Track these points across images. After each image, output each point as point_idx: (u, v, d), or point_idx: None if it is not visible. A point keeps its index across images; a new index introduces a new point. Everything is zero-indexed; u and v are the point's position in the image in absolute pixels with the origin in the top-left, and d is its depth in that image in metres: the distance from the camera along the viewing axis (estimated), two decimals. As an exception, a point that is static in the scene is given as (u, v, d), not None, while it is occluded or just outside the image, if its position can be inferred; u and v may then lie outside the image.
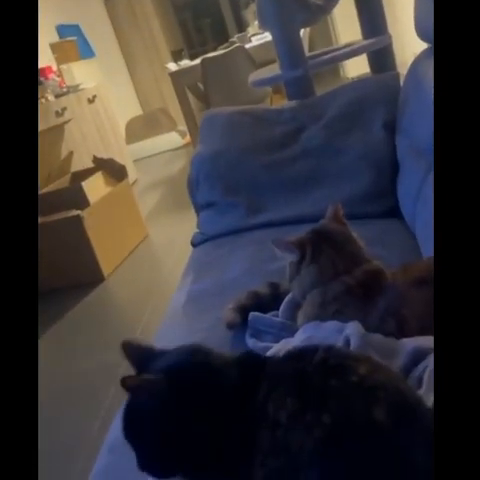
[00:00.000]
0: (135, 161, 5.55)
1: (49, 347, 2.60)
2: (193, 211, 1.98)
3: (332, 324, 0.84)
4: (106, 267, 3.13)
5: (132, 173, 4.87)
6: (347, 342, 0.76)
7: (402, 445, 0.49)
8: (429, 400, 0.61)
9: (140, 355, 0.68)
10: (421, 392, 0.65)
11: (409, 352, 0.73)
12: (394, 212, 1.59)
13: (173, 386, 0.60)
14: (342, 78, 6.62)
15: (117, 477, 0.88)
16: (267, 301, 1.17)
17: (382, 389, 0.53)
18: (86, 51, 5.81)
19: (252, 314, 1.13)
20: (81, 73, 4.99)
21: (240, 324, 1.14)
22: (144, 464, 0.63)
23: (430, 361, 0.71)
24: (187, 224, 2.37)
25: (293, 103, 1.98)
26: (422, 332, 0.80)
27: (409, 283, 0.92)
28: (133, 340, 0.69)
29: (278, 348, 0.87)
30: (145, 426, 0.61)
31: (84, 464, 1.65)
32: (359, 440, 0.50)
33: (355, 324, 0.80)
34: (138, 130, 6.13)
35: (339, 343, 0.76)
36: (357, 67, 5.13)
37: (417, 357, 0.73)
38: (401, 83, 1.84)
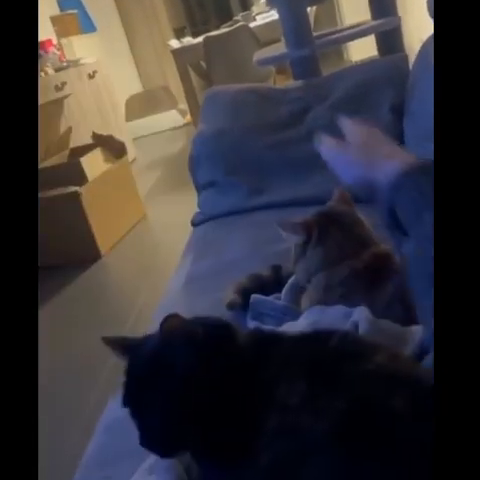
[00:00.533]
0: (134, 139, 5.49)
1: (44, 324, 2.58)
2: (192, 192, 1.95)
3: (338, 309, 0.81)
4: (103, 245, 3.10)
5: (131, 151, 4.82)
6: (355, 328, 0.74)
7: (421, 436, 0.47)
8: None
9: (130, 342, 0.66)
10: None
11: (419, 340, 0.71)
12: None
13: (206, 340, 0.58)
14: (345, 61, 6.54)
15: (112, 457, 0.87)
16: (269, 284, 1.15)
17: (400, 378, 0.51)
18: (87, 25, 5.71)
19: (254, 296, 1.11)
20: (81, 48, 4.92)
21: (241, 306, 1.12)
22: (147, 436, 0.60)
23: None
24: (186, 205, 2.34)
25: (299, 83, 1.95)
26: None
27: None
28: (113, 336, 0.67)
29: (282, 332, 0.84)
30: (162, 382, 0.58)
31: (79, 439, 1.64)
32: (376, 428, 0.48)
33: (363, 309, 0.78)
34: (138, 107, 6.06)
35: (346, 328, 0.73)
36: (361, 51, 5.05)
37: (427, 344, 0.71)
38: (410, 66, 1.81)
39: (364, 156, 0.80)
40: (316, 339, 0.59)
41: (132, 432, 0.64)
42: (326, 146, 0.85)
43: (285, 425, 0.51)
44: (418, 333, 0.73)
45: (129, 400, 0.62)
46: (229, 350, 0.61)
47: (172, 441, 0.60)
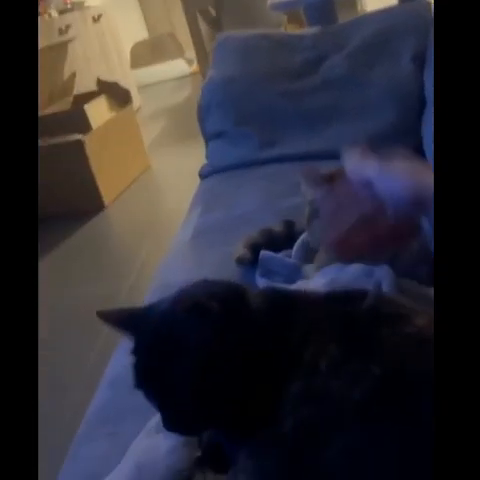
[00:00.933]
0: (139, 87, 5.36)
1: (45, 275, 2.55)
2: (199, 144, 1.89)
3: (358, 267, 0.76)
4: (107, 195, 3.05)
5: (136, 100, 4.71)
6: (378, 287, 0.69)
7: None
8: None
9: (132, 317, 0.61)
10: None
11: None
12: (418, 152, 1.50)
13: (222, 313, 0.54)
14: (359, 12, 6.32)
15: (116, 413, 0.84)
16: (281, 239, 1.11)
17: None
18: (92, -34, 5.50)
19: (263, 253, 1.07)
20: (86, -11, 4.75)
21: (251, 261, 1.09)
22: (172, 418, 0.56)
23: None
24: (192, 156, 2.28)
25: (314, 29, 1.86)
26: None
27: None
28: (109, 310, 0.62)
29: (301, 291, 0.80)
30: (181, 360, 0.54)
31: (81, 396, 1.63)
32: (415, 399, 0.44)
33: (385, 268, 0.73)
34: (144, 55, 5.90)
35: (368, 288, 0.69)
36: (375, 1, 4.86)
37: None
38: (432, 13, 1.72)
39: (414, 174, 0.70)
40: (347, 299, 0.54)
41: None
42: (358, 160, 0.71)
43: (313, 390, 0.47)
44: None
45: (143, 382, 0.57)
46: (246, 320, 0.56)
47: (198, 420, 0.56)
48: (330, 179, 0.79)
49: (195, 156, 2.05)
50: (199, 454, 0.61)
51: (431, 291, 0.71)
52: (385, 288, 0.69)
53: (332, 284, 0.74)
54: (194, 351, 0.53)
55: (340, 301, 0.54)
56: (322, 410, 0.46)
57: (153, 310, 0.59)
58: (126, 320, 0.60)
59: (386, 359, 0.46)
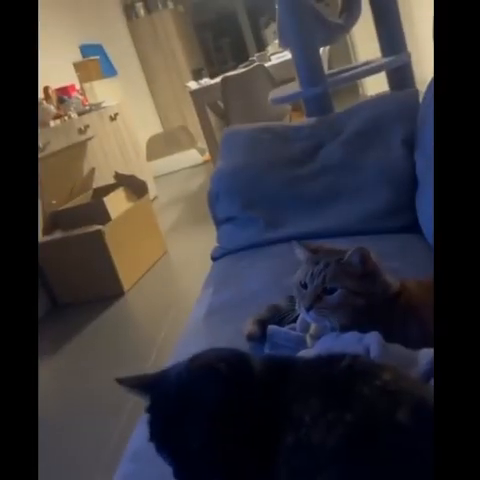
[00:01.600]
0: (155, 178, 5.61)
1: (69, 360, 2.63)
2: (212, 227, 2.01)
3: (351, 335, 0.85)
4: (126, 281, 3.17)
5: (152, 189, 4.93)
6: (367, 351, 0.77)
7: (424, 448, 0.50)
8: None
9: (148, 380, 0.68)
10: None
11: (429, 361, 0.74)
12: (413, 227, 1.60)
13: (230, 375, 0.61)
14: (361, 96, 6.64)
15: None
16: (287, 314, 1.18)
17: (406, 394, 0.55)
18: (108, 70, 5.93)
19: (270, 327, 1.15)
20: (103, 91, 5.09)
21: (260, 337, 1.16)
22: (183, 471, 0.63)
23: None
24: (206, 240, 2.39)
25: (312, 120, 2.01)
26: None
27: (425, 288, 0.94)
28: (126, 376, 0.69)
29: (296, 357, 0.88)
30: (196, 415, 0.61)
31: (102, 478, 1.66)
32: (381, 439, 0.52)
33: (374, 334, 0.81)
34: (158, 147, 6.20)
35: (359, 352, 0.77)
36: (376, 86, 5.14)
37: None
38: (420, 101, 1.86)
39: None
40: (329, 361, 0.62)
41: (156, 460, 0.68)
42: None
43: (300, 441, 0.55)
44: (428, 355, 0.76)
45: (158, 437, 0.64)
46: (249, 380, 0.64)
47: (208, 473, 0.62)
48: (315, 250, 0.97)
49: (208, 239, 2.16)
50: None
51: (415, 353, 0.79)
52: (372, 352, 0.77)
53: (328, 351, 0.81)
54: (205, 407, 0.60)
55: (323, 363, 0.63)
56: (307, 460, 0.53)
57: (168, 373, 0.67)
58: (142, 382, 0.67)
59: (356, 409, 0.53)
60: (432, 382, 0.70)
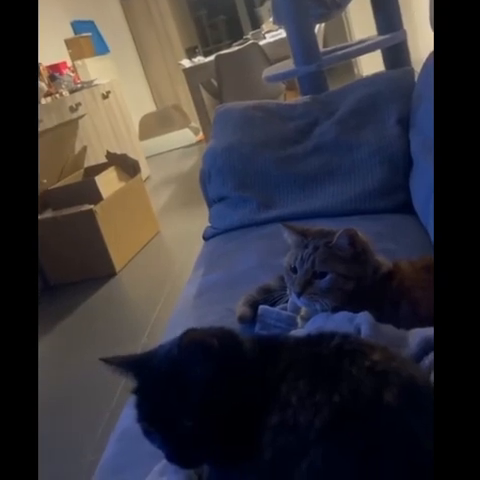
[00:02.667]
0: (148, 157, 5.57)
1: (60, 340, 2.62)
2: (205, 207, 1.99)
3: (342, 315, 0.84)
4: (118, 261, 3.15)
5: (145, 169, 4.89)
6: (358, 331, 0.76)
7: (410, 428, 0.50)
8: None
9: (134, 360, 0.67)
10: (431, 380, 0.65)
11: (419, 341, 0.74)
12: (407, 207, 1.59)
13: (221, 352, 0.60)
14: (356, 76, 6.58)
15: (125, 464, 0.89)
16: (277, 294, 1.17)
17: (394, 374, 0.54)
18: (101, 47, 5.83)
19: (261, 307, 1.14)
20: (95, 69, 5.02)
21: (252, 318, 1.15)
22: (175, 451, 0.62)
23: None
24: (199, 220, 2.38)
25: (306, 98, 1.98)
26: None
27: (417, 269, 0.93)
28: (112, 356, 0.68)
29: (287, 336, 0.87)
30: (187, 393, 0.60)
31: (93, 457, 1.66)
32: (366, 419, 0.51)
33: (365, 314, 0.80)
34: (151, 126, 6.14)
35: (350, 332, 0.75)
36: (371, 65, 5.08)
37: (427, 346, 0.73)
38: (415, 79, 1.83)
39: None
40: (319, 340, 0.61)
41: (143, 440, 0.67)
42: None
43: (286, 421, 0.54)
44: (419, 335, 0.75)
45: (147, 417, 0.63)
46: (240, 358, 0.63)
47: (197, 451, 0.62)
48: (303, 233, 0.96)
49: (201, 219, 2.14)
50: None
51: (406, 333, 0.78)
52: (363, 332, 0.76)
53: (319, 331, 0.80)
54: (198, 384, 0.59)
55: (313, 343, 0.61)
56: (293, 440, 0.52)
57: (155, 352, 0.66)
58: (129, 362, 0.66)
59: (344, 388, 0.53)
60: (423, 362, 0.69)
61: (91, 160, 3.90)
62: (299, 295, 0.94)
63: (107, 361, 0.66)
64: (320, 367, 0.56)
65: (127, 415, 1.03)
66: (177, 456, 0.62)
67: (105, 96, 4.64)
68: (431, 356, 0.71)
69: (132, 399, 0.67)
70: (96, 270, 3.11)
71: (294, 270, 0.97)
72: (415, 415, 0.51)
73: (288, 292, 1.02)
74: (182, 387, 0.60)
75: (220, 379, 0.60)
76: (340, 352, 0.57)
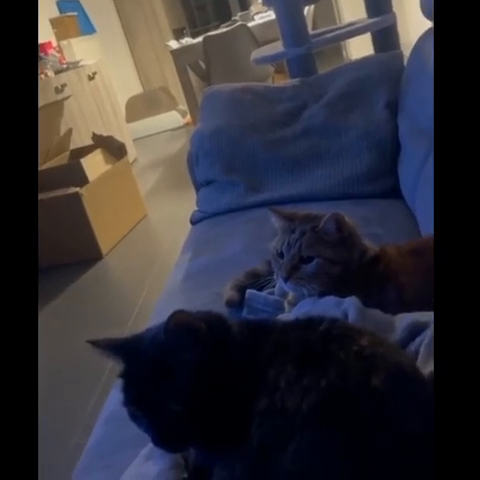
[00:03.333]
0: (135, 140, 5.51)
1: (47, 323, 2.60)
2: (192, 191, 1.97)
3: (329, 299, 0.84)
4: (104, 245, 3.12)
5: (132, 152, 4.84)
6: (345, 316, 0.76)
7: (396, 412, 0.50)
8: (425, 372, 0.61)
9: (121, 342, 0.66)
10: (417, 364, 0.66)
11: (406, 326, 0.74)
12: (395, 192, 1.59)
13: (209, 335, 0.60)
14: (345, 59, 6.55)
15: (111, 447, 0.89)
16: (265, 279, 1.17)
17: (381, 359, 0.54)
18: (87, 27, 5.73)
19: (248, 292, 1.14)
20: (81, 49, 4.94)
21: (239, 302, 1.15)
22: (161, 435, 0.61)
23: (426, 335, 0.71)
24: (186, 204, 2.36)
25: (295, 81, 1.97)
26: (421, 303, 0.81)
27: (404, 254, 0.93)
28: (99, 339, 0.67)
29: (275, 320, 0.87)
30: (171, 380, 0.59)
31: (80, 440, 1.67)
32: (353, 404, 0.51)
33: (353, 299, 0.80)
34: (138, 109, 6.08)
35: (338, 317, 0.76)
36: (361, 49, 5.06)
37: (414, 331, 0.73)
38: (405, 63, 1.82)
39: None
40: (307, 325, 0.61)
41: (129, 423, 0.66)
42: None
43: (274, 406, 0.54)
44: (406, 320, 0.75)
45: (134, 400, 0.62)
46: (227, 342, 0.63)
47: (185, 436, 0.61)
48: (290, 217, 0.96)
49: (189, 203, 2.13)
50: (185, 476, 0.66)
51: (393, 318, 0.78)
52: (350, 316, 0.76)
53: (306, 315, 0.80)
54: (185, 368, 0.59)
55: (301, 327, 0.61)
56: (281, 424, 0.53)
57: (142, 336, 0.65)
58: (116, 345, 0.65)
59: (331, 373, 0.53)
60: (409, 348, 0.70)
61: (77, 142, 3.85)
62: (286, 280, 0.94)
63: (94, 344, 0.65)
64: (308, 351, 0.56)
65: (114, 398, 1.03)
66: (164, 440, 0.61)
67: (91, 77, 4.58)
68: (417, 341, 0.71)
69: (119, 383, 0.67)
70: (82, 253, 3.09)
71: (281, 255, 0.97)
72: (402, 400, 0.51)
73: (275, 277, 1.02)
74: (169, 371, 0.60)
75: (208, 363, 0.60)
76: (328, 337, 0.57)
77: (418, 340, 0.71)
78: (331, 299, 0.83)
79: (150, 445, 0.74)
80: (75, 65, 4.43)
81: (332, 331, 0.58)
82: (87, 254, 3.08)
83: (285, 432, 0.51)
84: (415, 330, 0.73)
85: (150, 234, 3.45)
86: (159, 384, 0.60)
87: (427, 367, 0.64)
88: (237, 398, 0.58)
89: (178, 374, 0.59)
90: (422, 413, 0.51)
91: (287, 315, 0.88)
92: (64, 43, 4.82)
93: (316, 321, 0.60)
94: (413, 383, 0.54)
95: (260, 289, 1.15)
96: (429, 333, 0.70)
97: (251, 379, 0.58)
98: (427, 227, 1.31)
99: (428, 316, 0.74)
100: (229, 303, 1.17)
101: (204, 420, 0.60)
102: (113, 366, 0.68)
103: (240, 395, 0.58)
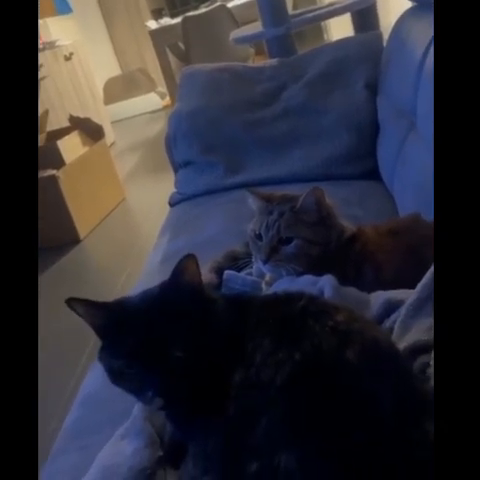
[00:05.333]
0: (113, 122, 5.44)
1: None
2: (172, 174, 1.95)
3: (306, 278, 0.84)
4: (82, 228, 3.09)
5: (110, 135, 4.78)
6: (321, 293, 0.76)
7: (369, 386, 0.50)
8: (399, 347, 0.62)
9: (109, 308, 0.65)
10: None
11: (381, 304, 0.74)
12: (374, 174, 1.59)
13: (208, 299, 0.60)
14: (326, 42, 6.52)
15: (87, 428, 0.88)
16: (243, 259, 1.16)
17: (357, 334, 0.54)
18: (62, 7, 5.60)
19: (226, 272, 1.13)
20: (57, 30, 4.84)
21: (218, 285, 1.14)
22: (159, 385, 0.59)
23: (401, 312, 0.72)
24: (165, 186, 2.33)
25: (274, 61, 1.95)
26: (398, 282, 0.81)
27: (381, 233, 0.93)
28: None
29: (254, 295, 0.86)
30: (175, 324, 0.60)
31: (57, 425, 1.65)
32: (327, 377, 0.51)
33: (329, 277, 0.80)
34: (116, 90, 5.99)
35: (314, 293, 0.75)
36: (341, 31, 5.03)
37: (389, 308, 0.74)
38: (384, 44, 1.81)
39: None
40: (286, 300, 0.61)
41: (105, 405, 0.66)
42: None
43: (249, 379, 0.54)
44: (381, 298, 0.75)
45: (132, 351, 0.60)
46: (215, 313, 0.62)
47: (182, 388, 0.59)
48: (267, 198, 0.95)
49: (168, 186, 2.11)
50: (161, 454, 0.66)
51: (368, 296, 0.79)
52: (326, 293, 0.76)
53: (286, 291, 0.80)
54: (189, 315, 0.59)
55: (280, 303, 0.61)
56: (255, 397, 0.53)
57: (128, 297, 0.66)
58: (100, 304, 0.64)
59: (306, 346, 0.53)
60: (384, 324, 0.70)
61: (53, 124, 3.78)
62: (265, 262, 0.94)
63: (78, 301, 0.63)
64: (285, 326, 0.56)
65: (89, 381, 1.02)
66: (166, 391, 0.59)
67: (68, 58, 4.50)
68: (392, 318, 0.72)
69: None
70: (60, 237, 3.04)
71: (259, 237, 0.97)
72: (375, 374, 0.51)
73: (253, 259, 1.01)
74: (175, 315, 0.59)
75: (204, 319, 0.60)
76: (305, 312, 0.57)
77: (393, 317, 0.72)
78: (308, 278, 0.83)
79: (126, 425, 0.74)
80: (51, 45, 4.35)
81: (310, 307, 0.58)
82: (64, 238, 3.04)
83: (260, 405, 0.51)
84: (390, 307, 0.73)
85: (129, 217, 3.42)
86: (163, 330, 0.59)
87: (401, 342, 0.65)
88: (217, 370, 0.57)
89: (183, 320, 0.59)
90: (395, 388, 0.51)
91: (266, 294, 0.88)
92: (40, 22, 4.71)
93: (295, 297, 0.60)
94: (389, 359, 0.55)
95: (239, 271, 1.14)
96: (403, 310, 0.71)
97: (230, 352, 0.57)
98: (405, 207, 1.32)
99: (403, 294, 0.75)
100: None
101: (198, 374, 0.59)
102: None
103: (220, 367, 0.57)
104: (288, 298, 0.61)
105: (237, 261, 1.16)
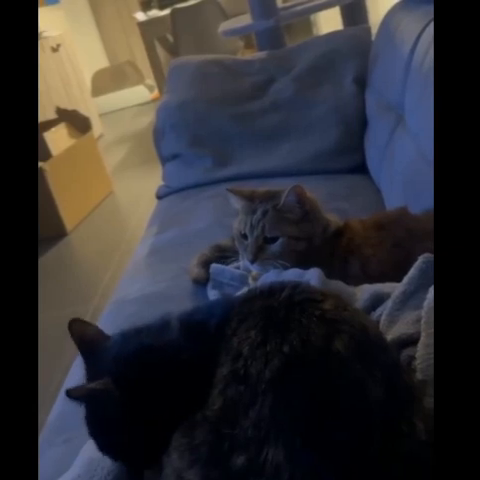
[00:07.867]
0: (101, 115, 5.40)
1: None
2: (160, 168, 1.94)
3: (293, 271, 0.83)
4: (69, 221, 3.06)
5: (97, 127, 4.74)
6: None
7: (358, 376, 0.50)
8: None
9: (87, 339, 0.67)
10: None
11: (368, 297, 0.74)
12: (361, 168, 1.59)
13: (124, 387, 0.59)
14: (315, 36, 6.51)
15: (71, 422, 0.87)
16: (230, 253, 1.16)
17: (345, 323, 0.54)
18: (50, -3, 5.55)
19: (213, 266, 1.13)
20: (44, 20, 4.76)
21: (206, 279, 1.14)
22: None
23: (387, 305, 0.72)
24: (153, 180, 2.32)
25: (263, 54, 1.94)
26: (384, 276, 0.81)
27: (367, 227, 0.94)
28: (81, 320, 0.69)
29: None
30: (106, 429, 0.61)
31: (42, 418, 1.64)
32: (315, 367, 0.51)
33: (315, 270, 0.80)
34: (104, 83, 5.94)
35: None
36: (331, 25, 5.03)
37: (375, 302, 0.74)
38: (373, 38, 1.81)
39: None
40: (269, 293, 0.61)
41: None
42: None
43: (237, 372, 0.53)
44: (367, 291, 0.75)
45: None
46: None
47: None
48: (250, 196, 0.95)
49: (156, 179, 2.10)
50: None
51: (355, 289, 0.79)
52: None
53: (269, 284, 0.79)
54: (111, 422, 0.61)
55: (264, 296, 0.61)
56: (243, 390, 0.52)
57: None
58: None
59: (294, 338, 0.52)
60: (371, 317, 0.70)
61: (40, 116, 3.74)
62: (252, 262, 0.94)
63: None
64: (270, 318, 0.56)
65: (74, 375, 1.02)
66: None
67: (55, 49, 4.45)
68: (378, 311, 0.72)
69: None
70: (46, 230, 3.00)
71: (244, 236, 0.97)
72: (364, 364, 0.51)
73: (240, 258, 1.01)
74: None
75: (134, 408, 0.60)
76: (291, 303, 0.57)
77: (379, 310, 0.72)
78: (294, 271, 0.83)
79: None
80: (38, 36, 4.29)
81: (294, 297, 0.58)
82: (51, 231, 3.01)
83: (248, 398, 0.51)
84: (376, 300, 0.74)
85: (116, 210, 3.40)
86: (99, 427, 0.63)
87: (387, 335, 0.65)
88: (202, 372, 0.57)
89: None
90: (384, 378, 0.51)
91: (252, 289, 0.88)
92: (26, 13, 4.66)
93: (277, 289, 0.60)
94: (377, 348, 0.54)
95: (225, 262, 1.14)
96: (390, 303, 0.71)
97: (216, 352, 0.57)
98: (391, 202, 1.32)
99: (389, 287, 0.75)
100: (197, 281, 1.16)
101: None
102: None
103: (205, 369, 0.57)
104: (271, 291, 0.61)
105: (224, 253, 1.16)
